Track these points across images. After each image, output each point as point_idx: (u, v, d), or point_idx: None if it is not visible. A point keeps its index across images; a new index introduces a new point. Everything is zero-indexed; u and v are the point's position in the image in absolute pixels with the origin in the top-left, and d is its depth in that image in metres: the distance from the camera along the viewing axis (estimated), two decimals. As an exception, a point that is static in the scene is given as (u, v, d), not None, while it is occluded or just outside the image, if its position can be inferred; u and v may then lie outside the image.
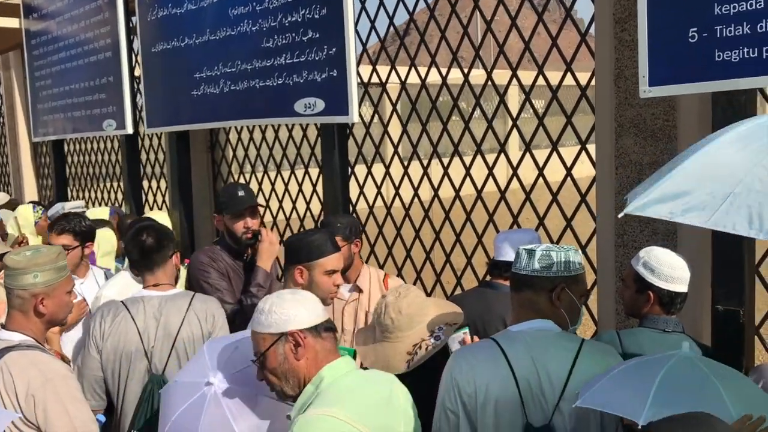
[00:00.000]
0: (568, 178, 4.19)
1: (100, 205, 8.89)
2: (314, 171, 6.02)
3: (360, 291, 3.68)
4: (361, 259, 3.84)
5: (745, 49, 2.73)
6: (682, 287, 2.73)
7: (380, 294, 3.57)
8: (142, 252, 3.23)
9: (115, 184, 8.71)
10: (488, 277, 3.76)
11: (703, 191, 1.64)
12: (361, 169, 5.47)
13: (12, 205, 6.81)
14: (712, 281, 3.23)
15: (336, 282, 3.08)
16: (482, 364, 2.21)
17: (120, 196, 8.50)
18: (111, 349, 3.06)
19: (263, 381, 2.28)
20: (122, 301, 3.18)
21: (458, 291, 4.49)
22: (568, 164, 4.18)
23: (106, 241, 5.11)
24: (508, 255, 3.20)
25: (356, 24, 4.71)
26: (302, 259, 3.05)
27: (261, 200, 6.47)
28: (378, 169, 5.45)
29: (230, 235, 3.85)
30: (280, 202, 6.29)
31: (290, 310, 2.22)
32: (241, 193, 3.85)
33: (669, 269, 2.71)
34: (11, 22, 8.45)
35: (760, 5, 2.68)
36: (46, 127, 8.25)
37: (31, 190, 10.02)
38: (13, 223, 5.86)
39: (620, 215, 1.81)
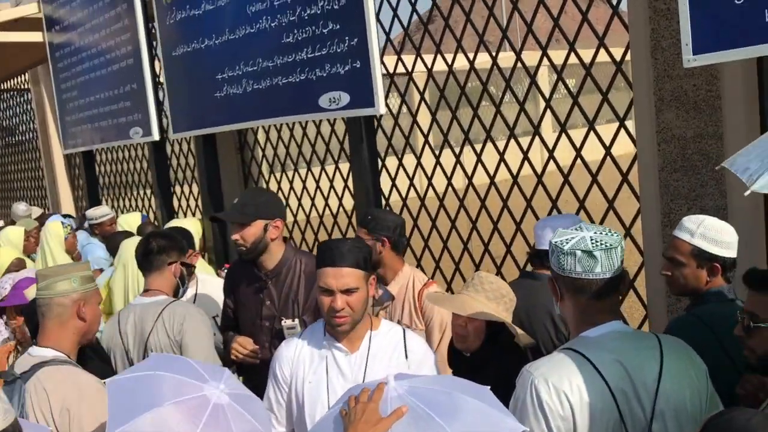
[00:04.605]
0: (608, 158, 4.03)
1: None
2: (345, 166, 5.93)
3: (392, 298, 3.41)
4: (403, 261, 3.60)
5: (798, 8, 2.55)
6: (735, 253, 2.63)
7: (412, 305, 3.43)
8: (138, 254, 3.40)
9: (146, 192, 8.71)
10: (529, 267, 3.62)
11: None
12: (392, 161, 5.35)
13: (43, 219, 6.75)
14: (768, 259, 3.07)
15: (334, 305, 2.47)
16: (572, 379, 1.95)
17: (152, 203, 8.51)
18: (106, 348, 3.28)
19: None
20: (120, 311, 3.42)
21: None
22: (606, 143, 4.01)
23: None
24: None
25: (378, 13, 4.59)
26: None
27: (293, 199, 6.42)
28: (409, 160, 5.33)
29: None
30: (312, 199, 6.21)
31: None
32: (235, 201, 3.45)
33: (728, 236, 2.61)
34: (35, 36, 8.45)
35: (813, -41, 2.50)
36: (75, 138, 8.27)
37: (67, 202, 10.10)
38: (44, 238, 5.75)
39: (746, 193, 1.70)
